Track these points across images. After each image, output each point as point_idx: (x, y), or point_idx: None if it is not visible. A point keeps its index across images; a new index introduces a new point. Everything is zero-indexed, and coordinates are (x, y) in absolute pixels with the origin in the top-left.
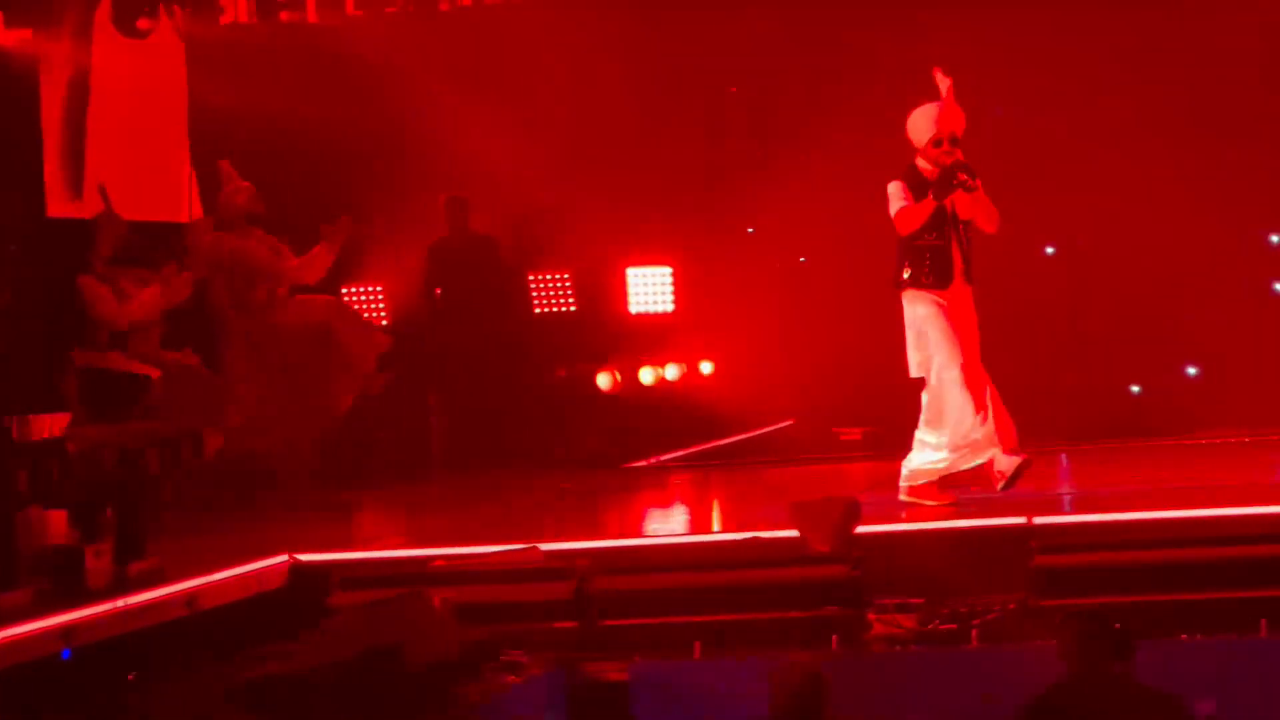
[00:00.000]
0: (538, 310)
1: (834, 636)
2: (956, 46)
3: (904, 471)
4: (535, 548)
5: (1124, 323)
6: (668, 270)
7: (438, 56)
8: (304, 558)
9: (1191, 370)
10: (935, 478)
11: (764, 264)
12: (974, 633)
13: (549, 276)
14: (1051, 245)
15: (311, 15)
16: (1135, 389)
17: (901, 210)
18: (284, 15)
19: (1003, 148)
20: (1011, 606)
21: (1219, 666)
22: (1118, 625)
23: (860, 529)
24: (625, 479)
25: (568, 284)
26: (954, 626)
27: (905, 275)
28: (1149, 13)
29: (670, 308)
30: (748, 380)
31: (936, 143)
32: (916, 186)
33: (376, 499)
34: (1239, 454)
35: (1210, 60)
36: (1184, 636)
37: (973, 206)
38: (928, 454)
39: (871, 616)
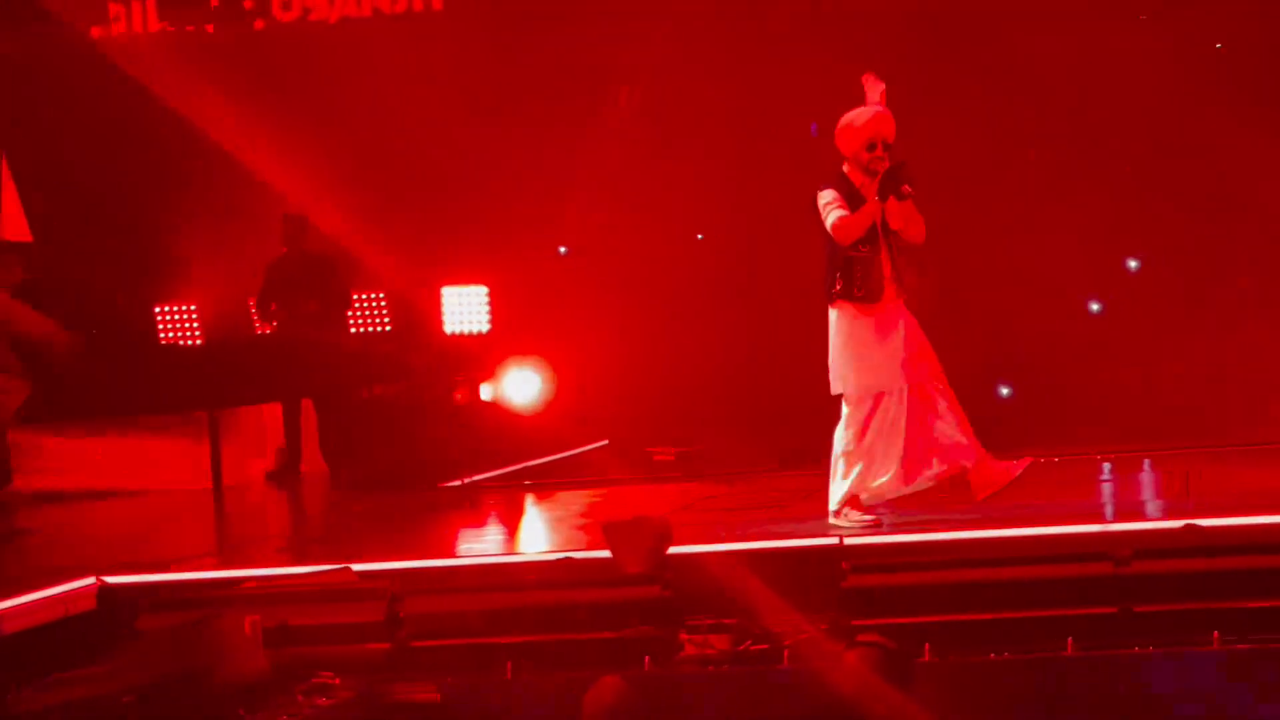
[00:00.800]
0: (354, 330)
1: (646, 657)
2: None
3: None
4: (347, 569)
5: (937, 342)
6: (483, 290)
7: (254, 74)
8: (112, 580)
9: (1005, 390)
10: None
11: (579, 283)
12: (786, 653)
13: (365, 296)
14: None
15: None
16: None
17: (841, 220)
18: (95, 31)
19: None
20: (823, 627)
21: (1030, 685)
22: (895, 649)
23: (672, 549)
24: (439, 498)
25: (383, 304)
26: (766, 647)
27: (836, 288)
28: (958, 32)
29: (486, 327)
30: (563, 400)
31: (870, 147)
32: (849, 195)
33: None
34: (1049, 474)
35: (1016, 80)
36: (992, 655)
37: (903, 216)
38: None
39: (683, 637)
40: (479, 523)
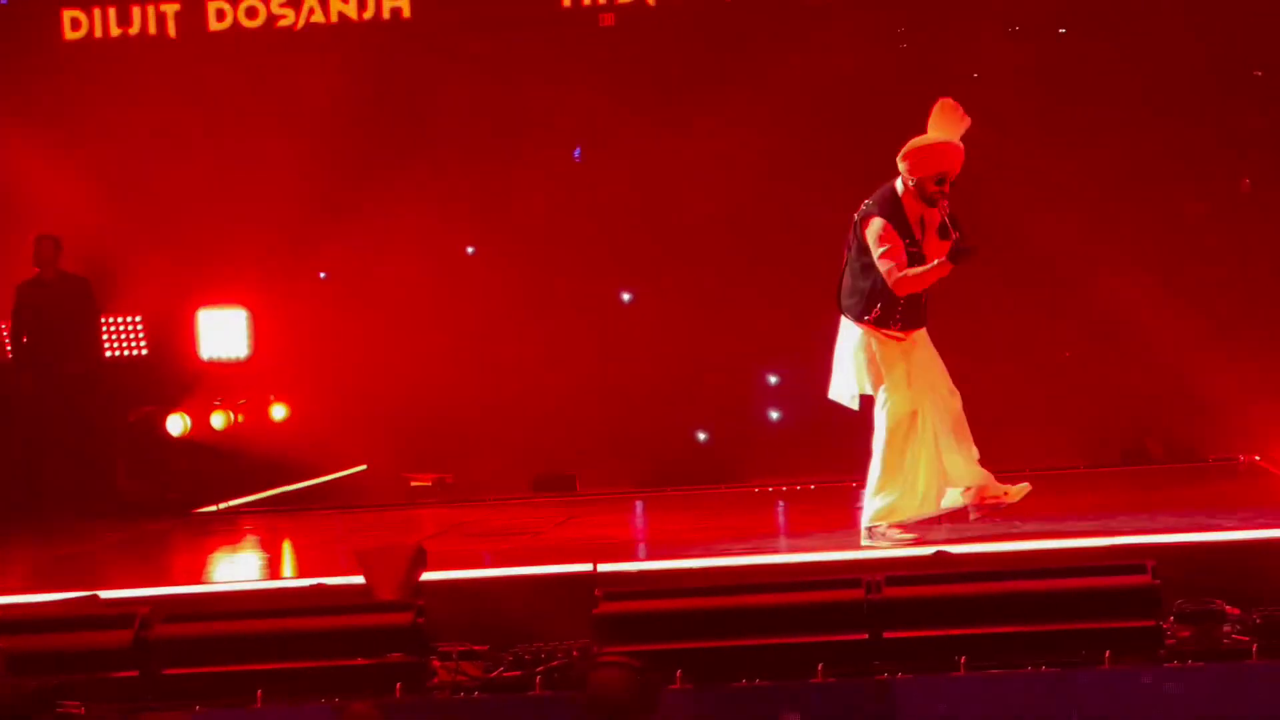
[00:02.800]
0: (109, 354)
1: (398, 684)
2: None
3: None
4: (95, 596)
5: (701, 368)
6: (243, 313)
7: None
8: None
9: (774, 414)
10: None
11: (339, 308)
12: (538, 679)
13: (121, 320)
14: (628, 292)
15: None
16: (701, 436)
17: (907, 279)
18: None
19: (585, 194)
20: (575, 653)
21: (780, 710)
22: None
23: (426, 575)
24: (194, 524)
25: (139, 327)
26: (519, 673)
27: (873, 315)
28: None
29: (245, 352)
30: (321, 425)
31: (939, 180)
32: (900, 225)
33: None
34: (806, 501)
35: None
36: (744, 681)
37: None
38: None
39: (436, 663)
40: (233, 549)
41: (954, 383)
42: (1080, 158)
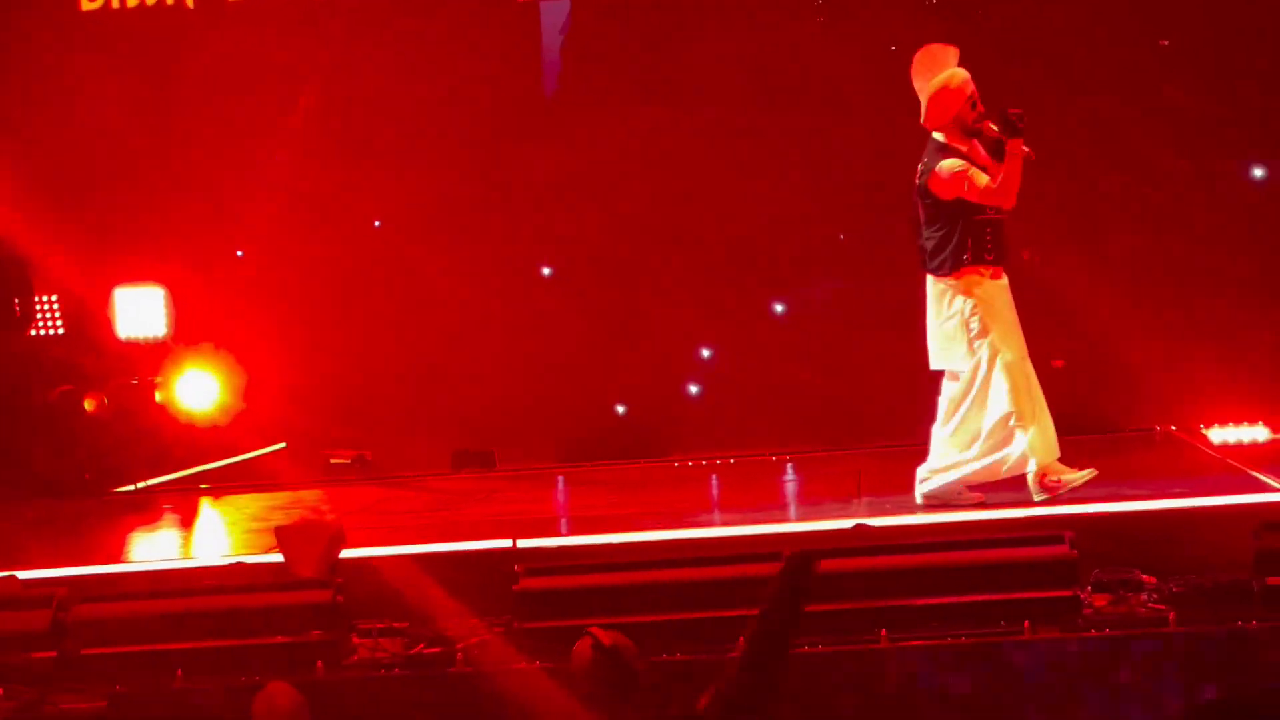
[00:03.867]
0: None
1: (318, 661)
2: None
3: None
4: (12, 577)
5: (618, 341)
6: (160, 291)
7: None
8: None
9: (694, 389)
10: (972, 478)
11: (257, 286)
12: (458, 656)
13: (37, 299)
14: (548, 266)
15: None
16: (620, 409)
17: (1002, 186)
18: None
19: (505, 168)
20: (496, 629)
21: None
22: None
23: (345, 553)
24: (112, 504)
25: (55, 306)
26: (438, 650)
27: (966, 256)
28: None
29: (163, 330)
30: (241, 403)
31: (972, 104)
32: (966, 159)
33: None
34: (727, 474)
35: (689, 82)
36: (664, 656)
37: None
38: (961, 451)
39: (355, 640)
40: (152, 528)
41: (866, 356)
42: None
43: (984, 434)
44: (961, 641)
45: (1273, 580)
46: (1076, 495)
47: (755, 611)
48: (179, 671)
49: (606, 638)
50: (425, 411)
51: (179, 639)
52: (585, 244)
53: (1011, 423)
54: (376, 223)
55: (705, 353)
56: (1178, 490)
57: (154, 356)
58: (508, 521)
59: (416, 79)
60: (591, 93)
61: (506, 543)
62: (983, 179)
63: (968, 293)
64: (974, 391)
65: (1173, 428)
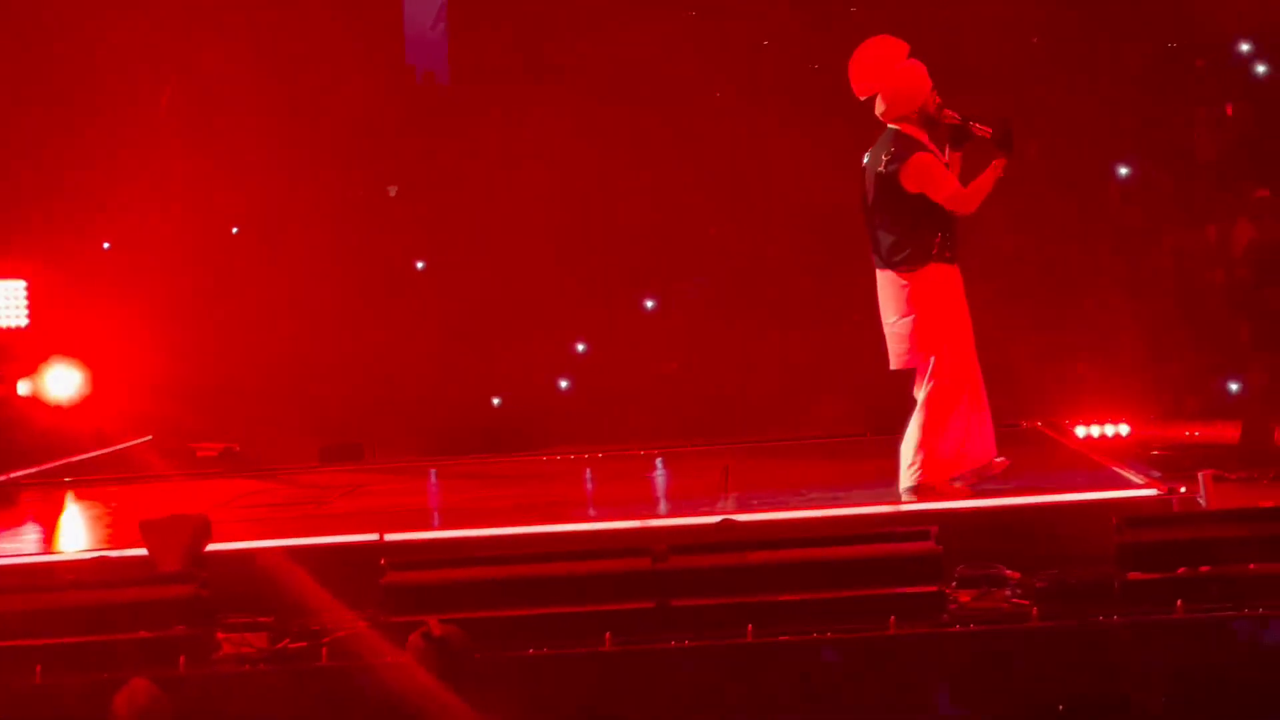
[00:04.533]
0: None
1: (181, 657)
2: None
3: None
4: None
5: (491, 335)
6: (21, 283)
7: None
8: None
9: (563, 383)
10: (955, 468)
11: (122, 278)
12: (324, 650)
13: None
14: (422, 259)
15: None
16: (496, 401)
17: (974, 190)
18: None
19: (379, 162)
20: (362, 624)
21: (569, 679)
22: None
23: (211, 547)
24: None
25: None
26: (304, 644)
27: (932, 252)
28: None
29: (24, 321)
30: (105, 395)
31: (934, 90)
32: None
33: None
34: (598, 469)
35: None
36: (531, 650)
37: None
38: (933, 445)
39: (220, 636)
40: (13, 522)
41: (731, 353)
42: (865, 124)
43: (910, 431)
44: (827, 637)
45: (1134, 575)
46: (939, 491)
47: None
48: (39, 668)
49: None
50: (295, 404)
51: (39, 634)
52: (459, 237)
53: (918, 434)
54: (234, 229)
55: (580, 347)
56: (1041, 486)
57: (16, 347)
58: (375, 515)
59: (286, 72)
60: (467, 86)
61: (373, 536)
62: (952, 183)
63: (925, 289)
64: (936, 385)
65: (1039, 423)
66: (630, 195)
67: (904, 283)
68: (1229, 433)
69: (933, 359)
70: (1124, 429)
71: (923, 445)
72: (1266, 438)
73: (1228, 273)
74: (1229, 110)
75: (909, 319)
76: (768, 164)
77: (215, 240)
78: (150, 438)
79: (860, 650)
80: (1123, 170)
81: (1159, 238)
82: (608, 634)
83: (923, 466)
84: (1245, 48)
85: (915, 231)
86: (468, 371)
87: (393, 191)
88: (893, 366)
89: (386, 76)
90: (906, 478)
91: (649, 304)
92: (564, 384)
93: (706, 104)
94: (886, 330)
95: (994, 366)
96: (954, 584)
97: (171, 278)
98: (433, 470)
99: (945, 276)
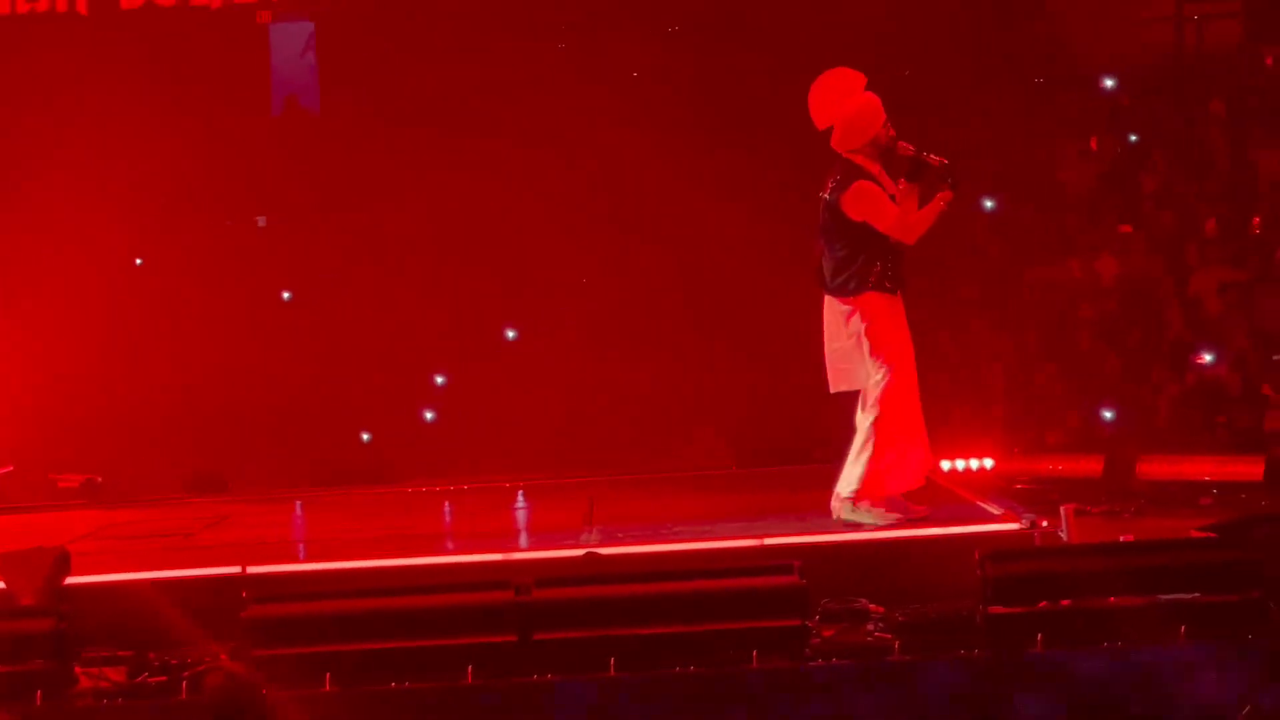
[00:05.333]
0: None
1: (38, 692)
2: None
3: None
4: None
5: (360, 369)
6: None
7: None
8: None
9: (429, 415)
10: (892, 491)
11: None
12: (184, 684)
13: None
14: (288, 291)
15: None
16: (365, 436)
17: (917, 220)
18: None
19: (242, 191)
20: (223, 657)
21: (431, 714)
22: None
23: (70, 580)
24: None
25: None
26: (164, 678)
27: (870, 280)
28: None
29: None
30: None
31: (886, 124)
32: (879, 184)
33: None
34: (462, 501)
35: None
36: (393, 685)
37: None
38: (872, 464)
39: (79, 670)
40: None
41: (596, 386)
42: (734, 155)
43: (852, 451)
44: (690, 671)
45: (995, 609)
46: (807, 526)
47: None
48: None
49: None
50: (160, 435)
51: None
52: (325, 269)
53: (866, 455)
54: (138, 258)
55: (439, 379)
56: (906, 520)
57: None
58: (239, 548)
59: (156, 104)
60: (333, 118)
61: (236, 569)
62: (892, 211)
63: (867, 315)
64: (867, 410)
65: None
66: (497, 226)
67: (846, 308)
68: (1092, 466)
69: (873, 384)
70: (988, 463)
71: (866, 467)
72: (1129, 471)
73: (1093, 307)
74: (1093, 144)
75: (848, 343)
76: (638, 195)
77: (79, 270)
78: (10, 469)
79: (723, 684)
80: (988, 203)
81: (1024, 271)
82: (470, 668)
83: (862, 487)
84: (1109, 83)
85: (856, 258)
86: (334, 402)
87: (261, 222)
88: (832, 389)
89: (253, 109)
90: (844, 491)
91: (510, 334)
92: (429, 415)
93: (576, 135)
94: (828, 353)
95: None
96: (817, 618)
97: (33, 307)
98: (298, 502)
99: (886, 304)
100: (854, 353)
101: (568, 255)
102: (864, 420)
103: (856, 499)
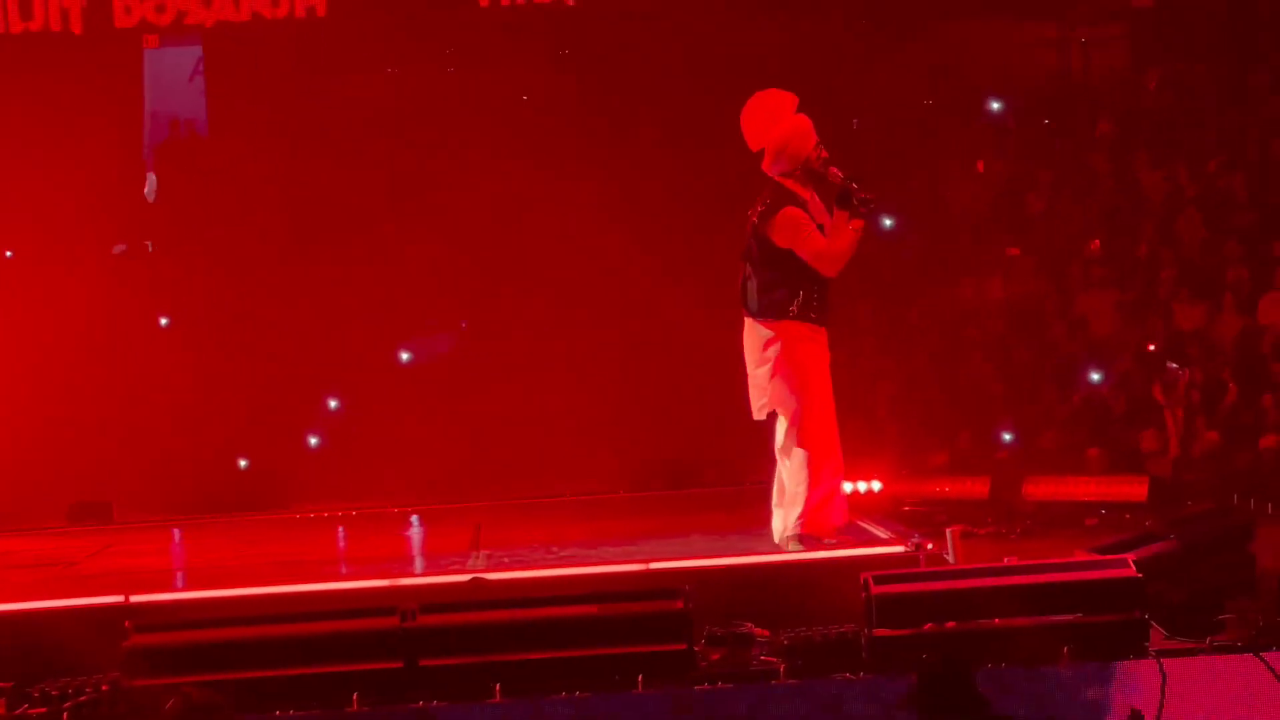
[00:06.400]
0: None
1: None
2: None
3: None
4: None
5: (245, 392)
6: None
7: None
8: None
9: (313, 440)
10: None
11: None
12: (65, 715)
13: None
14: (166, 316)
15: None
16: (242, 463)
17: (834, 250)
18: None
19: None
20: (105, 688)
21: None
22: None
23: None
24: None
25: None
26: (44, 710)
27: (792, 309)
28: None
29: None
30: None
31: (817, 146)
32: (808, 210)
33: None
34: (349, 527)
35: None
36: (278, 712)
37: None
38: (810, 499)
39: None
40: None
41: (489, 411)
42: (625, 181)
43: (785, 485)
44: (575, 696)
45: (880, 632)
46: (693, 550)
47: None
48: None
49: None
50: (41, 462)
51: None
52: (204, 293)
53: (800, 486)
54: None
55: (333, 403)
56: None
57: None
58: (122, 576)
59: (30, 130)
60: (212, 139)
61: (119, 598)
62: (818, 241)
63: (787, 342)
64: (787, 440)
65: None
66: (381, 249)
67: (766, 333)
68: (980, 488)
69: (791, 413)
70: (876, 485)
71: (804, 498)
72: (1015, 492)
73: (981, 328)
74: (980, 167)
75: (765, 369)
76: (525, 219)
77: None
78: None
79: (609, 709)
80: (887, 222)
81: (913, 293)
82: (355, 695)
83: (807, 523)
84: (996, 106)
85: (780, 285)
86: (218, 428)
87: (120, 249)
88: (755, 416)
89: (130, 134)
90: (790, 529)
91: (404, 356)
92: (314, 441)
93: (469, 158)
94: (750, 378)
95: (744, 421)
96: (703, 642)
97: None
98: (175, 531)
99: (807, 334)
100: (773, 380)
101: (459, 277)
102: (792, 461)
103: (804, 534)
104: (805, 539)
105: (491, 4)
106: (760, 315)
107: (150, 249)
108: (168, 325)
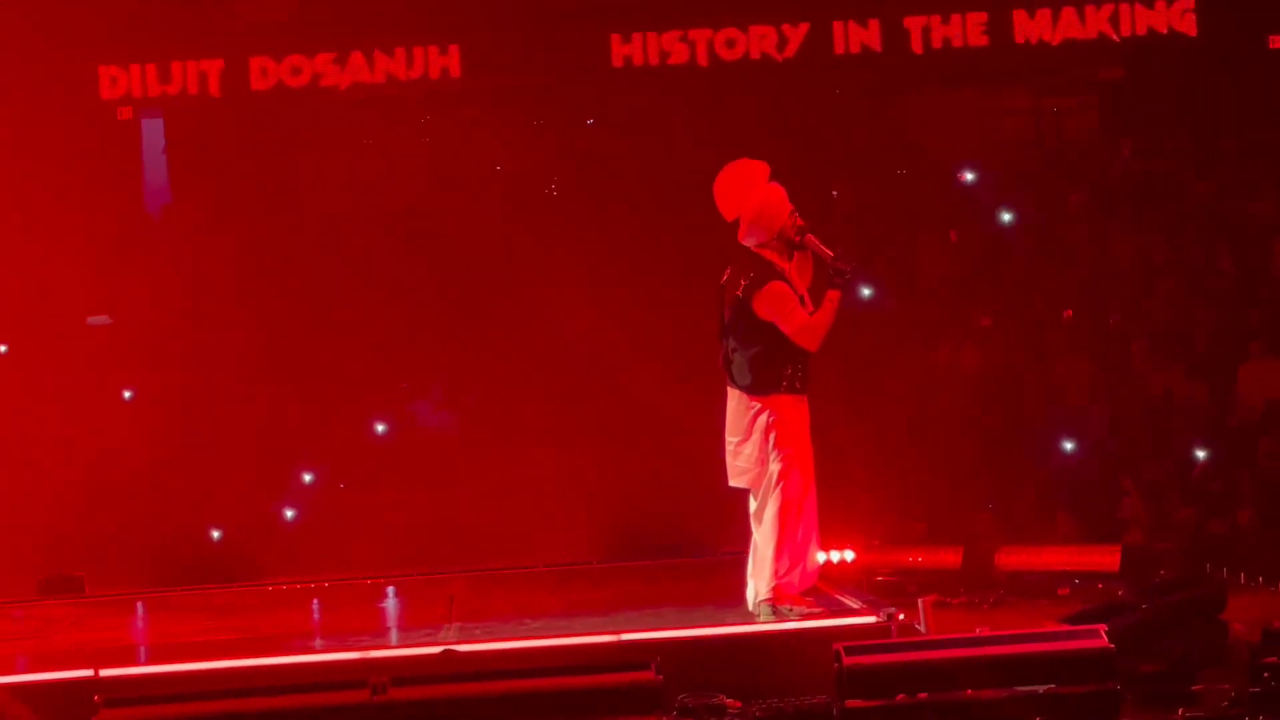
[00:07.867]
0: None
1: None
2: None
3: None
4: None
5: (218, 464)
6: None
7: None
8: None
9: (289, 512)
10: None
11: None
12: None
13: None
14: (129, 390)
15: None
16: (216, 534)
17: (815, 325)
18: None
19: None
20: None
21: None
22: None
23: None
24: None
25: None
26: None
27: (782, 384)
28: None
29: None
30: None
31: (793, 214)
32: (790, 284)
33: None
34: (321, 599)
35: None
36: None
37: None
38: (777, 562)
39: None
40: None
41: (463, 482)
42: (601, 253)
43: (758, 551)
44: None
45: (852, 703)
46: (665, 621)
47: None
48: None
49: None
50: (13, 536)
51: None
52: (175, 366)
53: (770, 553)
54: None
55: (307, 477)
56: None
57: None
58: (93, 650)
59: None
60: (188, 213)
61: (89, 672)
62: (800, 317)
63: (775, 415)
64: (761, 507)
65: None
66: (357, 321)
67: (754, 406)
68: (953, 557)
69: (773, 483)
70: (849, 554)
71: (773, 566)
72: (988, 562)
73: (954, 397)
74: (953, 236)
75: (751, 441)
76: (501, 292)
77: None
78: None
79: None
80: (865, 291)
81: (887, 361)
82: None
83: (778, 586)
84: (969, 176)
85: (766, 359)
86: (191, 501)
87: (92, 320)
88: (731, 484)
89: (111, 200)
90: (761, 594)
91: (380, 428)
92: (290, 513)
93: (430, 223)
94: (729, 448)
95: (714, 492)
96: (675, 713)
97: None
98: (151, 603)
99: (793, 406)
100: (754, 451)
101: (433, 349)
102: (766, 522)
103: (776, 600)
104: (776, 605)
105: (441, 75)
106: (753, 391)
107: (91, 323)
108: (131, 399)
